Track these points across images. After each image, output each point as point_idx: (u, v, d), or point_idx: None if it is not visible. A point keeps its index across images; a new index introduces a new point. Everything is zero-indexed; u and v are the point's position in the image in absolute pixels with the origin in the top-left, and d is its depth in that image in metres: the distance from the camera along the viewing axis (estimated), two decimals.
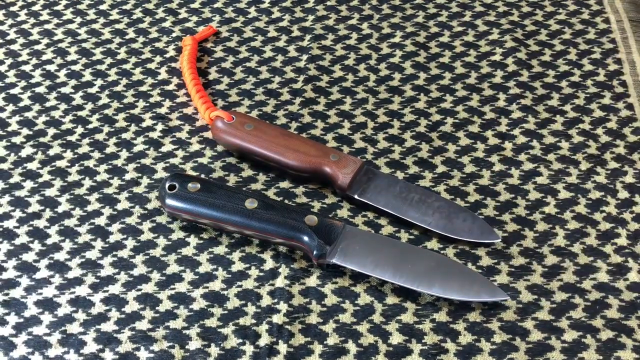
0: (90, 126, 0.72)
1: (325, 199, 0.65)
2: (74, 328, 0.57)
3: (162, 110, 0.73)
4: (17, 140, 0.70)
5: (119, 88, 0.75)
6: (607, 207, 0.64)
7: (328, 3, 0.84)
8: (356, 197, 0.63)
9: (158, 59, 0.78)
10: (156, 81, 0.76)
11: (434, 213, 0.62)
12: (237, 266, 0.60)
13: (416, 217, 0.62)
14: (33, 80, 0.76)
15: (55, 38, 0.81)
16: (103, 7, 0.84)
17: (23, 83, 0.76)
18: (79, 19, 0.83)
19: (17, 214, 0.64)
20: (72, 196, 0.66)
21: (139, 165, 0.68)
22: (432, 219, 0.62)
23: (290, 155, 0.65)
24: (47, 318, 0.57)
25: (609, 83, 0.74)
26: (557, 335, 0.56)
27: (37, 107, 0.73)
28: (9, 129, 0.71)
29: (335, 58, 0.78)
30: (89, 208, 0.65)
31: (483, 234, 0.61)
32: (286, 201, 0.65)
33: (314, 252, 0.59)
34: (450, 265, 0.58)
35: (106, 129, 0.71)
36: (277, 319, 0.57)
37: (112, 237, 0.63)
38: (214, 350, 0.55)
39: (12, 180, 0.67)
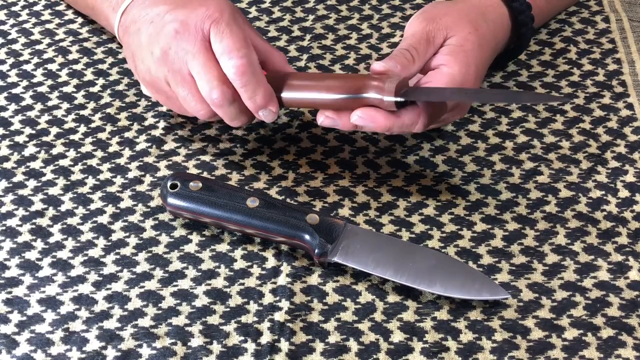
0: (92, 125, 0.72)
1: (327, 197, 0.65)
2: (76, 326, 0.57)
3: (164, 109, 0.73)
4: (20, 139, 0.71)
5: (120, 87, 0.75)
6: (607, 206, 0.64)
7: (328, 3, 0.85)
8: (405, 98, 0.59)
9: None
10: None
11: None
12: (240, 264, 0.61)
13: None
14: (35, 80, 0.76)
15: (57, 37, 0.81)
16: None
17: (25, 82, 0.76)
18: (80, 19, 0.83)
19: (20, 212, 0.64)
20: (75, 195, 0.66)
21: (141, 163, 0.68)
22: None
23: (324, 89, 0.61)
24: (49, 316, 0.58)
25: (609, 83, 0.74)
26: (558, 334, 0.56)
27: (39, 106, 0.74)
28: (12, 128, 0.72)
29: (335, 58, 0.78)
30: (92, 206, 0.65)
31: None
32: (288, 200, 0.65)
33: (316, 251, 0.59)
34: (451, 264, 0.59)
35: (109, 127, 0.71)
36: (278, 316, 0.57)
37: (114, 235, 0.63)
38: (215, 348, 0.56)
39: (15, 179, 0.67)
